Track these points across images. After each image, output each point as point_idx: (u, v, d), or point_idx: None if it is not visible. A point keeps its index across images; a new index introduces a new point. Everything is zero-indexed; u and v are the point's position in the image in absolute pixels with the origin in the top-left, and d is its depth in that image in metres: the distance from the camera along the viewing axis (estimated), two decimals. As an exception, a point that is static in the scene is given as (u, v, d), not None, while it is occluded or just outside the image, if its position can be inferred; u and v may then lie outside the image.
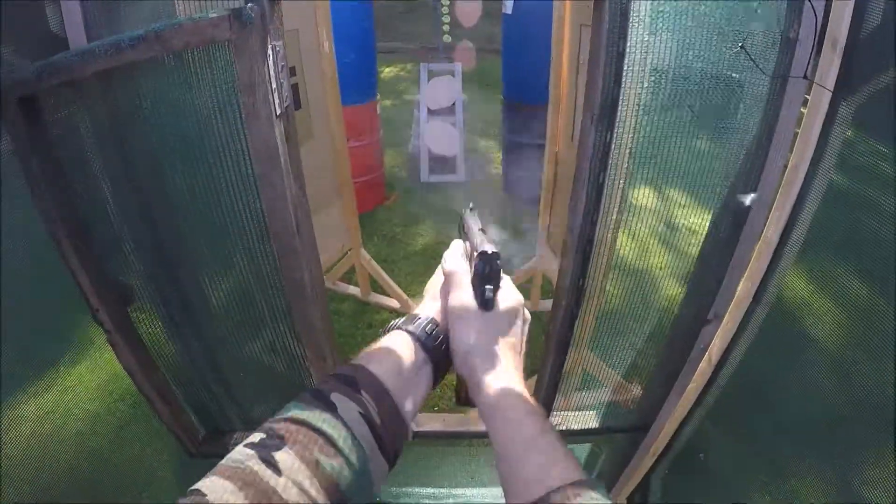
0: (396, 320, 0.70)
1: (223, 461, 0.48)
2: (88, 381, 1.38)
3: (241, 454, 0.48)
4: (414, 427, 1.65)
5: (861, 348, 1.06)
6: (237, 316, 1.39)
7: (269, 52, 0.88)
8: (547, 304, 3.00)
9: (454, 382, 0.74)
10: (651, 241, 1.38)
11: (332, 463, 0.49)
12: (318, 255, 1.22)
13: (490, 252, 0.66)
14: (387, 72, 8.67)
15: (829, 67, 1.07)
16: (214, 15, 0.85)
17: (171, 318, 1.40)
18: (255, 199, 1.08)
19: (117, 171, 1.20)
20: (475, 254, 0.68)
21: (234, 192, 1.10)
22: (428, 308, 0.72)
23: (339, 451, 0.50)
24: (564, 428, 1.58)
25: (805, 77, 1.11)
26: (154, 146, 1.17)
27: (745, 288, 1.29)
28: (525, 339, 0.71)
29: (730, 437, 1.44)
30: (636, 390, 1.58)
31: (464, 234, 0.80)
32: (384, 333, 0.68)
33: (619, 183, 1.18)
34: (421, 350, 0.65)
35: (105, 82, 1.10)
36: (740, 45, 1.08)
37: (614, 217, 1.24)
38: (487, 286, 0.66)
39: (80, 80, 1.06)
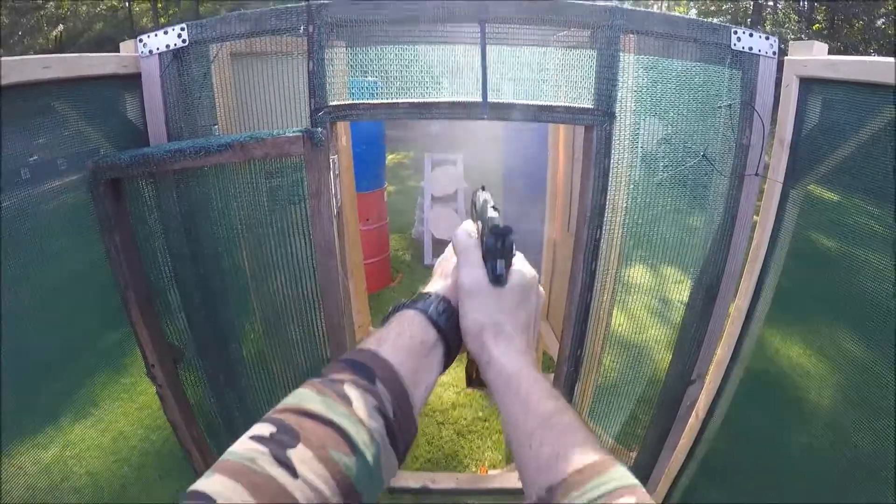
0: (404, 299, 0.65)
1: (228, 455, 0.44)
2: (92, 440, 1.41)
3: (251, 450, 0.44)
4: (430, 485, 1.76)
5: (829, 394, 1.23)
6: (278, 380, 1.53)
7: (331, 164, 1.11)
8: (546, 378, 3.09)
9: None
10: (638, 314, 1.58)
11: (347, 461, 0.46)
12: (354, 330, 1.40)
13: (502, 226, 0.62)
14: (390, 159, 9.04)
15: (779, 162, 1.32)
16: (291, 133, 1.09)
17: (216, 379, 1.55)
18: (312, 283, 1.27)
19: (184, 251, 1.38)
20: (487, 229, 0.65)
21: (294, 277, 1.29)
22: (438, 286, 0.67)
23: (354, 447, 0.47)
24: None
25: (757, 174, 1.35)
26: (220, 232, 1.36)
27: (722, 350, 1.48)
28: (538, 314, 0.68)
29: (721, 487, 1.55)
30: (632, 449, 1.70)
31: (476, 212, 0.76)
32: (392, 313, 0.63)
33: (608, 269, 1.43)
34: (433, 330, 0.61)
35: (183, 174, 1.28)
36: (702, 153, 1.34)
37: (606, 297, 1.46)
38: (499, 261, 0.63)
39: (163, 171, 1.23)
